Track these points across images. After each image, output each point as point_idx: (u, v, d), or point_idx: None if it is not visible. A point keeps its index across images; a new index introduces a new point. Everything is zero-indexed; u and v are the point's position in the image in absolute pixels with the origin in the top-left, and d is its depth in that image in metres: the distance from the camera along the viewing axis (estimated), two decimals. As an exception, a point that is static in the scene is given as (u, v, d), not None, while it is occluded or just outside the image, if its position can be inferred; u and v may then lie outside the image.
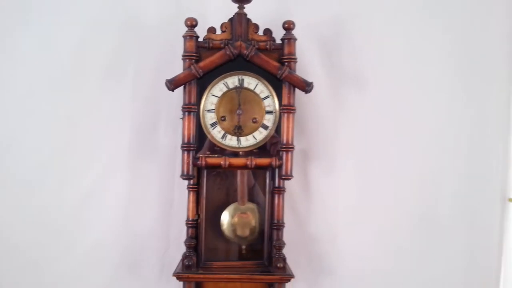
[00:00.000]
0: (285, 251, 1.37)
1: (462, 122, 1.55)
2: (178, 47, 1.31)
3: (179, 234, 1.43)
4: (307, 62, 1.48)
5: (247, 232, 1.41)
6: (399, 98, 1.54)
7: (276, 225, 1.36)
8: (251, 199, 1.43)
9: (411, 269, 1.55)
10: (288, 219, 1.42)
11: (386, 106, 1.54)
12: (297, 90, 1.32)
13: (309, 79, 1.30)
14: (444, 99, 1.55)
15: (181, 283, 1.32)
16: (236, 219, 1.40)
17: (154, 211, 1.52)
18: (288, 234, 1.39)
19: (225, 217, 1.40)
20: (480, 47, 1.53)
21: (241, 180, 1.40)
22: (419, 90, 1.53)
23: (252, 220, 1.41)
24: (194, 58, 1.28)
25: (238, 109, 1.31)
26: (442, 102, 1.55)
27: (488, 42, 1.52)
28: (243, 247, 1.41)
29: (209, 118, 1.30)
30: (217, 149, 1.32)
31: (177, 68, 1.32)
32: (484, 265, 1.57)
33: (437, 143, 1.55)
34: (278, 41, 1.32)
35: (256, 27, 1.32)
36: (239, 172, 1.39)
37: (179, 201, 1.48)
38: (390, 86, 1.54)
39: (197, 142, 1.31)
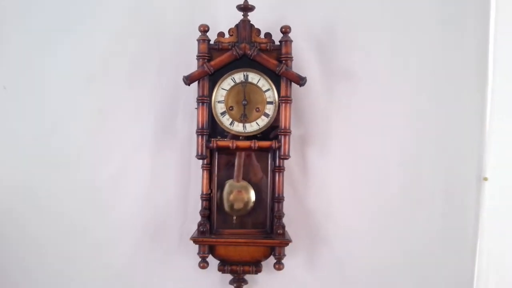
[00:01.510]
0: (285, 222, 1.50)
1: (440, 109, 1.64)
2: (192, 49, 1.45)
3: (195, 207, 1.55)
4: (304, 60, 1.59)
5: (241, 205, 1.54)
6: (384, 90, 1.64)
7: (277, 199, 1.51)
8: (253, 178, 1.56)
9: (395, 240, 1.65)
10: (289, 195, 1.55)
11: (373, 98, 1.63)
12: (293, 84, 1.45)
13: (305, 74, 1.44)
14: (423, 88, 1.64)
15: (197, 246, 1.47)
16: (231, 195, 1.54)
17: (174, 187, 1.64)
18: (288, 208, 1.53)
19: (223, 192, 1.54)
20: (456, 43, 1.65)
21: (239, 161, 1.53)
22: (401, 83, 1.64)
23: (245, 195, 1.54)
24: (207, 58, 1.44)
25: (244, 100, 1.46)
26: (422, 91, 1.64)
27: (462, 40, 1.65)
28: (234, 218, 1.55)
29: (219, 108, 1.47)
30: (226, 134, 1.48)
31: (192, 66, 1.45)
32: (460, 238, 1.66)
33: (418, 129, 1.65)
34: (277, 43, 1.45)
35: (258, 31, 1.46)
36: (237, 154, 1.53)
37: (194, 178, 1.60)
38: (377, 79, 1.63)
39: (210, 128, 1.47)
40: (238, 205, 1.54)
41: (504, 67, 1.64)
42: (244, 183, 1.56)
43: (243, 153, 1.54)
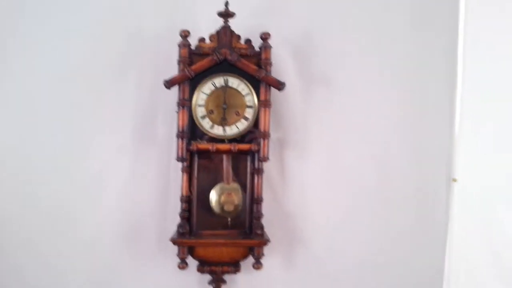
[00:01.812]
0: (264, 223, 1.54)
1: (411, 113, 1.72)
2: (173, 54, 1.48)
3: (175, 208, 1.55)
4: (282, 66, 1.63)
5: (231, 208, 1.55)
6: (358, 95, 1.70)
7: (256, 200, 1.53)
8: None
9: (370, 239, 1.71)
10: (267, 197, 1.58)
11: (349, 101, 1.70)
12: (273, 89, 1.48)
13: (283, 80, 1.49)
14: (395, 92, 1.71)
15: (176, 247, 1.49)
16: (222, 196, 1.56)
17: (154, 189, 1.66)
18: (266, 210, 1.56)
19: (213, 195, 1.56)
20: (426, 48, 1.72)
21: (227, 164, 1.55)
22: (374, 87, 1.70)
23: (235, 197, 1.56)
24: (187, 62, 1.46)
25: (224, 104, 1.48)
26: (394, 95, 1.71)
27: (432, 44, 1.73)
28: (229, 219, 1.56)
29: (199, 111, 1.48)
30: (206, 137, 1.49)
31: (173, 70, 1.47)
32: (431, 236, 1.74)
33: (391, 132, 1.72)
34: (257, 48, 1.50)
35: (238, 37, 1.49)
36: (224, 157, 1.54)
37: (174, 180, 1.60)
38: (352, 84, 1.69)
39: (190, 131, 1.48)
40: (228, 207, 1.55)
41: (472, 71, 1.71)
42: (234, 185, 1.57)
43: (230, 156, 1.56)
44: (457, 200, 1.74)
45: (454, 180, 1.73)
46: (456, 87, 1.73)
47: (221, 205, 1.56)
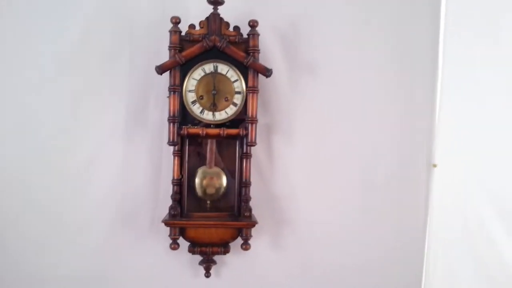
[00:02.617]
0: (252, 206, 1.59)
1: (393, 100, 1.77)
2: (164, 39, 1.51)
3: (167, 191, 1.60)
4: (270, 53, 1.67)
5: (213, 191, 1.62)
6: (344, 82, 1.73)
7: (244, 184, 1.58)
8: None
9: (353, 221, 1.78)
10: (256, 180, 1.64)
11: (334, 89, 1.73)
12: (260, 76, 1.52)
13: (271, 67, 1.53)
14: (379, 80, 1.76)
15: (168, 229, 1.55)
16: (204, 180, 1.62)
17: (146, 173, 1.69)
18: (255, 192, 1.62)
19: (196, 179, 1.61)
20: (409, 38, 1.77)
21: (211, 147, 1.61)
22: (360, 76, 1.74)
23: (216, 181, 1.63)
24: (178, 48, 1.49)
25: (213, 90, 1.53)
26: (377, 83, 1.75)
27: (415, 35, 1.78)
28: (208, 202, 1.63)
29: (190, 97, 1.52)
30: (197, 122, 1.54)
31: (164, 56, 1.51)
32: (412, 220, 1.80)
33: (374, 119, 1.76)
34: (245, 36, 1.52)
35: (228, 24, 1.52)
36: (209, 141, 1.60)
37: (166, 164, 1.65)
38: (337, 72, 1.73)
39: (180, 116, 1.52)
40: (210, 190, 1.62)
41: (452, 60, 1.76)
42: (217, 169, 1.63)
43: (214, 141, 1.60)
44: (436, 185, 1.80)
45: (434, 165, 1.79)
46: (437, 74, 1.78)
47: (203, 188, 1.61)
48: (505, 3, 1.63)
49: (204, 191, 1.62)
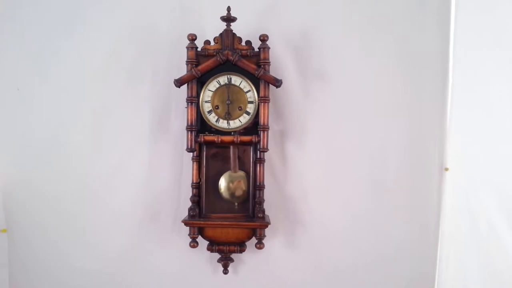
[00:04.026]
0: (267, 208, 1.68)
1: (405, 105, 1.78)
2: (183, 55, 1.61)
3: (187, 194, 1.69)
4: (282, 64, 1.74)
5: (241, 193, 1.72)
6: (355, 89, 1.77)
7: (258, 187, 1.67)
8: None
9: (365, 224, 1.81)
10: (270, 183, 1.74)
11: (345, 96, 1.77)
12: (272, 86, 1.60)
13: (283, 77, 1.62)
14: (390, 86, 1.79)
15: (187, 228, 1.65)
16: (231, 183, 1.72)
17: (168, 177, 1.79)
18: (269, 195, 1.72)
19: (222, 182, 1.72)
20: (419, 42, 1.78)
21: (234, 153, 1.70)
22: (370, 82, 1.77)
23: (243, 184, 1.72)
24: (195, 63, 1.59)
25: (228, 100, 1.62)
26: (388, 88, 1.79)
27: (425, 39, 1.79)
28: (236, 204, 1.72)
29: (206, 107, 1.62)
30: (213, 130, 1.65)
31: (182, 70, 1.61)
32: (424, 222, 1.81)
33: (385, 123, 1.79)
34: (257, 49, 1.60)
35: (240, 39, 1.61)
36: (231, 148, 1.69)
37: (186, 169, 1.75)
38: (348, 79, 1.77)
39: (198, 124, 1.63)
40: (238, 193, 1.71)
41: (463, 64, 1.76)
42: (241, 172, 1.72)
43: (236, 147, 1.69)
44: (449, 189, 1.80)
45: (446, 169, 1.79)
46: (448, 77, 1.78)
47: (231, 191, 1.72)
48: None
49: (233, 194, 1.71)
